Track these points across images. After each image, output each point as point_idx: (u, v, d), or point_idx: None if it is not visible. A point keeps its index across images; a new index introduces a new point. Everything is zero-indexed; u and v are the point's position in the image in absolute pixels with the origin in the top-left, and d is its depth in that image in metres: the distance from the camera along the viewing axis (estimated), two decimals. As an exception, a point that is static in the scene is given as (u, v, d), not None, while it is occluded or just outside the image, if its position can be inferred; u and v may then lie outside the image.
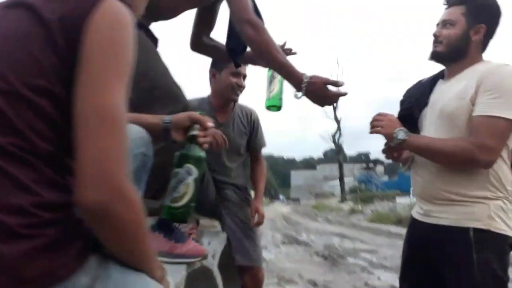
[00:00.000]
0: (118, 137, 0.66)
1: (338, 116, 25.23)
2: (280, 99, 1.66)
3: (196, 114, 1.16)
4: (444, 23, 1.60)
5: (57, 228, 0.65)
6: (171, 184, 1.13)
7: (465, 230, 1.46)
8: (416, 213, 1.66)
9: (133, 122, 1.08)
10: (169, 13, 1.67)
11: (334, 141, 25.37)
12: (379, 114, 1.60)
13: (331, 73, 25.97)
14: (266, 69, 1.74)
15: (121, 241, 0.69)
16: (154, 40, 1.55)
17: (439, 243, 1.55)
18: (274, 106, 1.66)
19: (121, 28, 0.69)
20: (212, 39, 1.91)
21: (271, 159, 61.00)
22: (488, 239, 1.45)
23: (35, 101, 0.66)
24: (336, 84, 1.50)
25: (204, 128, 1.15)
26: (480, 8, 1.57)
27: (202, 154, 1.14)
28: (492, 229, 1.44)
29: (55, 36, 0.67)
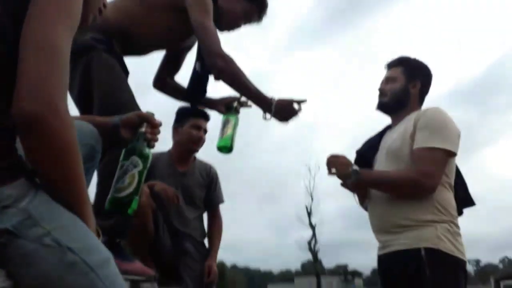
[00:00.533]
0: (57, 66, 0.74)
1: (313, 222, 25.16)
2: (232, 140, 1.79)
3: (144, 112, 1.26)
4: (387, 80, 1.90)
5: None
6: (117, 175, 1.17)
7: (417, 250, 1.58)
8: (378, 250, 1.80)
9: (84, 120, 1.17)
10: (141, 51, 1.87)
11: (310, 249, 24.84)
12: (332, 156, 1.77)
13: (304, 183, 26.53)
14: (221, 115, 1.90)
15: (53, 161, 0.73)
16: (126, 72, 1.71)
17: (395, 269, 1.68)
18: (225, 147, 1.78)
19: None
20: (174, 81, 2.09)
21: (247, 272, 58.49)
22: (440, 259, 1.56)
23: None
24: (301, 102, 1.71)
25: (152, 126, 1.24)
26: (415, 68, 1.90)
27: (149, 151, 1.21)
28: (442, 249, 1.57)
29: None
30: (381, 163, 1.81)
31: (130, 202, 1.14)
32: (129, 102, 1.60)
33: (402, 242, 1.63)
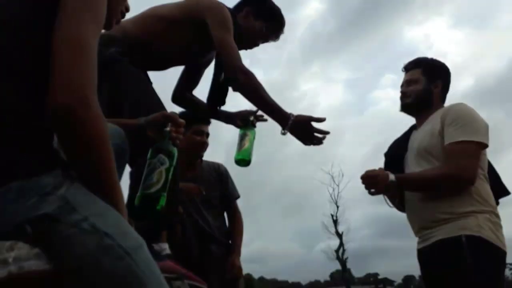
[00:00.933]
0: (88, 62, 0.80)
1: (340, 231, 24.85)
2: (250, 154, 1.83)
3: (168, 112, 1.31)
4: (408, 82, 1.92)
5: (19, 130, 0.74)
6: (145, 173, 1.22)
7: (458, 238, 1.60)
8: (418, 244, 1.81)
9: (111, 122, 1.22)
10: (161, 66, 1.93)
11: (338, 258, 24.47)
12: (368, 176, 1.76)
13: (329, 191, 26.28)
14: (238, 129, 1.95)
15: (86, 151, 0.77)
16: (149, 81, 1.78)
17: (436, 259, 1.68)
18: (244, 160, 1.83)
19: None
20: (193, 95, 2.15)
21: (275, 283, 57.97)
22: (480, 245, 1.57)
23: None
24: (319, 120, 1.71)
25: (176, 125, 1.28)
26: (434, 68, 1.92)
27: (174, 149, 1.25)
28: (483, 237, 1.58)
29: None
30: (412, 163, 1.82)
31: (159, 198, 1.18)
32: (157, 105, 1.65)
33: (441, 232, 1.65)
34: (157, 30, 1.79)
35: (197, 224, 2.22)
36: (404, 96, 1.91)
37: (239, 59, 1.74)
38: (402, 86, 1.94)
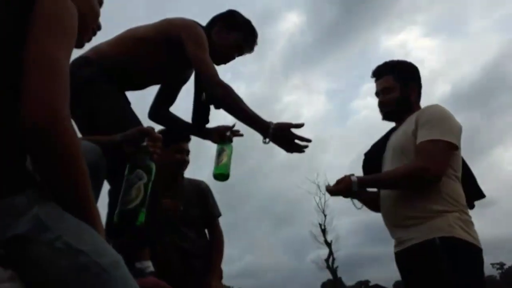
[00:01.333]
0: (58, 79, 0.80)
1: (328, 239, 24.85)
2: (228, 168, 1.85)
3: (144, 127, 1.30)
4: (383, 91, 1.92)
5: None
6: (123, 189, 1.21)
7: (431, 240, 1.60)
8: (394, 247, 1.81)
9: (88, 140, 1.21)
10: (139, 86, 1.94)
11: (328, 267, 24.42)
12: (332, 189, 1.79)
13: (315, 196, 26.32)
14: (215, 144, 1.97)
15: (58, 167, 0.77)
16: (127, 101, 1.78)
17: (413, 263, 1.69)
18: (222, 174, 1.85)
19: (65, 3, 0.88)
20: (169, 112, 2.15)
21: (267, 297, 57.45)
22: (455, 246, 1.57)
23: None
24: (298, 126, 1.72)
25: (153, 139, 1.28)
26: (405, 72, 1.93)
27: (152, 164, 1.25)
28: (456, 236, 1.58)
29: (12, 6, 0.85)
30: (388, 162, 1.85)
31: (138, 214, 1.17)
32: (135, 122, 1.64)
33: (415, 235, 1.65)
34: (132, 51, 1.80)
35: (176, 240, 2.19)
36: (383, 105, 1.93)
37: (215, 74, 1.77)
38: (377, 95, 1.95)
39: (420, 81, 1.96)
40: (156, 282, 1.42)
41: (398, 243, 1.76)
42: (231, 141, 1.95)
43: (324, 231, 25.09)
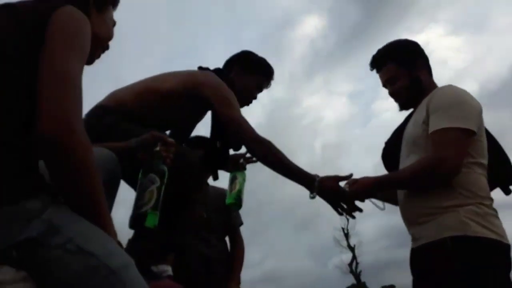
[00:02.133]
0: (73, 92, 0.83)
1: (352, 244, 24.57)
2: (239, 196, 1.91)
3: (157, 132, 1.32)
4: (389, 82, 1.76)
5: (4, 157, 0.77)
6: (137, 193, 1.23)
7: (443, 241, 1.45)
8: (411, 243, 1.68)
9: (102, 146, 1.24)
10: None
11: (352, 271, 24.12)
12: (351, 193, 1.67)
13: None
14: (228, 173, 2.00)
15: (72, 178, 0.79)
16: None
17: (424, 264, 1.55)
18: (234, 204, 1.90)
19: (78, 19, 0.92)
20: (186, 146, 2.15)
21: (290, 302, 57.05)
22: (469, 246, 1.41)
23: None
24: (346, 178, 1.69)
25: (166, 144, 1.30)
26: (406, 54, 1.74)
27: (165, 168, 1.27)
28: (469, 234, 1.42)
29: (26, 26, 0.88)
30: (403, 153, 1.72)
31: (149, 217, 1.19)
32: None
33: (426, 234, 1.53)
34: (151, 103, 1.76)
35: (198, 245, 2.21)
36: (395, 97, 1.77)
37: (253, 131, 1.76)
38: (385, 86, 1.79)
39: (424, 54, 1.77)
40: (171, 285, 1.44)
41: (413, 239, 1.64)
42: (244, 168, 1.98)
43: (347, 235, 24.81)
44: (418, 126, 1.60)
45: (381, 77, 1.79)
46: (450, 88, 1.63)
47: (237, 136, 1.81)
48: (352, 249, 24.39)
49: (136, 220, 1.19)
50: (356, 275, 24.03)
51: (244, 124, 1.76)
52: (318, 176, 1.66)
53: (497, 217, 1.50)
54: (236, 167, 1.97)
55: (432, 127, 1.54)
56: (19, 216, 0.74)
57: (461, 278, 1.38)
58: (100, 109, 1.71)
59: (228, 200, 1.90)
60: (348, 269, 24.37)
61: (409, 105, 1.77)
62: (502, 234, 1.46)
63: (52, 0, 0.94)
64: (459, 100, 1.56)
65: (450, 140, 1.49)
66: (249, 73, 2.03)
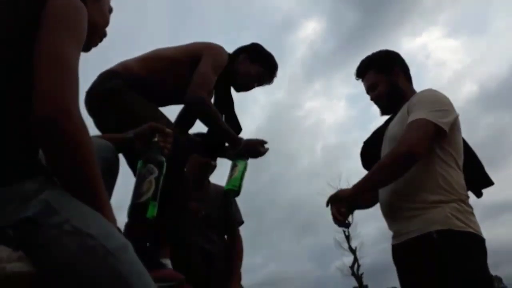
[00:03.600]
0: (68, 75, 0.83)
1: (353, 246, 24.50)
2: (238, 183, 1.92)
3: (155, 123, 1.33)
4: (370, 88, 1.89)
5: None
6: (135, 183, 1.23)
7: (428, 234, 1.51)
8: (392, 240, 1.71)
9: (101, 137, 1.25)
10: (160, 103, 1.95)
11: (353, 274, 24.04)
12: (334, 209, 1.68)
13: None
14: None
15: (68, 161, 0.79)
16: None
17: (410, 258, 1.60)
18: (232, 190, 1.91)
19: (74, 5, 0.92)
20: (188, 134, 2.20)
21: (292, 306, 56.88)
22: (453, 238, 1.48)
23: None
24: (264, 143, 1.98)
25: (164, 135, 1.31)
26: (383, 61, 1.87)
27: (163, 158, 1.27)
28: (453, 228, 1.49)
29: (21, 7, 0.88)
30: (385, 151, 1.78)
31: (147, 206, 1.19)
32: (152, 114, 1.68)
33: (412, 229, 1.57)
34: (157, 69, 1.87)
35: (199, 241, 2.22)
36: (376, 102, 1.88)
37: (205, 89, 1.85)
38: (368, 93, 1.91)
39: (404, 63, 1.88)
40: (173, 273, 1.44)
41: (395, 236, 1.69)
42: (247, 157, 1.99)
43: (348, 238, 24.73)
44: (402, 125, 1.66)
45: (364, 84, 1.91)
46: (429, 90, 1.72)
47: (193, 84, 1.85)
48: (353, 251, 24.33)
49: (134, 210, 1.20)
50: (358, 277, 23.96)
51: (204, 80, 1.85)
52: (243, 138, 1.92)
53: (473, 214, 1.59)
54: (238, 155, 1.97)
55: (409, 120, 1.60)
56: (16, 196, 0.74)
57: (448, 267, 1.45)
58: (109, 73, 1.81)
59: (226, 186, 1.91)
60: (350, 271, 24.30)
61: (390, 109, 1.87)
62: (479, 229, 1.56)
63: None
64: (435, 98, 1.65)
65: (414, 127, 1.55)
66: (253, 63, 2.11)
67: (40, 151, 0.84)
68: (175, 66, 1.89)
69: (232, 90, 2.15)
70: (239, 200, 2.51)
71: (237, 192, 1.91)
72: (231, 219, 2.46)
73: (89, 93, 1.75)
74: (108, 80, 1.75)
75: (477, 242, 1.53)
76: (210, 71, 1.86)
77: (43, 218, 0.74)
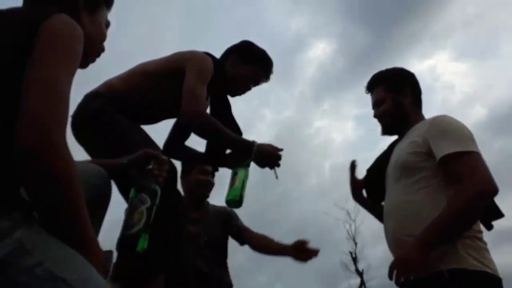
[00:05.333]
0: (56, 102, 0.77)
1: (360, 268, 24.04)
2: (239, 193, 1.75)
3: (150, 150, 1.27)
4: (376, 104, 1.82)
5: None
6: (126, 213, 1.17)
7: (440, 273, 1.39)
8: None
9: (93, 163, 1.19)
10: (149, 120, 1.90)
11: (360, 297, 23.55)
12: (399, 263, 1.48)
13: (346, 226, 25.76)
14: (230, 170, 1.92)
15: (49, 195, 0.73)
16: None
17: None
18: (233, 200, 1.75)
19: (69, 28, 0.87)
20: (185, 146, 2.11)
21: (297, 328, 55.76)
22: (467, 279, 1.37)
23: None
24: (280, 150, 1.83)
25: (159, 162, 1.25)
26: (395, 79, 1.80)
27: (157, 187, 1.21)
28: (467, 267, 1.37)
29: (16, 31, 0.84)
30: (391, 178, 1.69)
31: (137, 238, 1.12)
32: (143, 141, 1.61)
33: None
34: (140, 86, 1.76)
35: (195, 263, 2.14)
36: (379, 119, 1.80)
37: (199, 103, 1.72)
38: (373, 109, 1.84)
39: (416, 85, 1.80)
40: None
41: None
42: (247, 165, 1.85)
43: (355, 260, 24.30)
44: (412, 151, 1.58)
45: (372, 99, 1.84)
46: (448, 116, 1.63)
47: (185, 102, 1.73)
48: (360, 273, 23.87)
49: (123, 242, 1.13)
50: (365, 301, 23.47)
51: (194, 96, 1.71)
52: (256, 142, 1.77)
53: (488, 251, 1.47)
54: (239, 164, 1.85)
55: (444, 151, 1.49)
56: None
57: None
58: (93, 94, 1.73)
59: (227, 197, 1.74)
60: (357, 294, 23.81)
61: (391, 130, 1.79)
62: (495, 268, 1.43)
63: (42, 7, 0.91)
64: (462, 127, 1.57)
65: (476, 164, 1.45)
66: (246, 63, 1.97)
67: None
68: (157, 80, 1.78)
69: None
70: (245, 218, 2.47)
71: (238, 202, 1.74)
72: (238, 227, 2.40)
73: (73, 117, 1.67)
74: (91, 101, 1.68)
75: (492, 283, 1.40)
76: (197, 84, 1.74)
77: (14, 259, 0.67)
